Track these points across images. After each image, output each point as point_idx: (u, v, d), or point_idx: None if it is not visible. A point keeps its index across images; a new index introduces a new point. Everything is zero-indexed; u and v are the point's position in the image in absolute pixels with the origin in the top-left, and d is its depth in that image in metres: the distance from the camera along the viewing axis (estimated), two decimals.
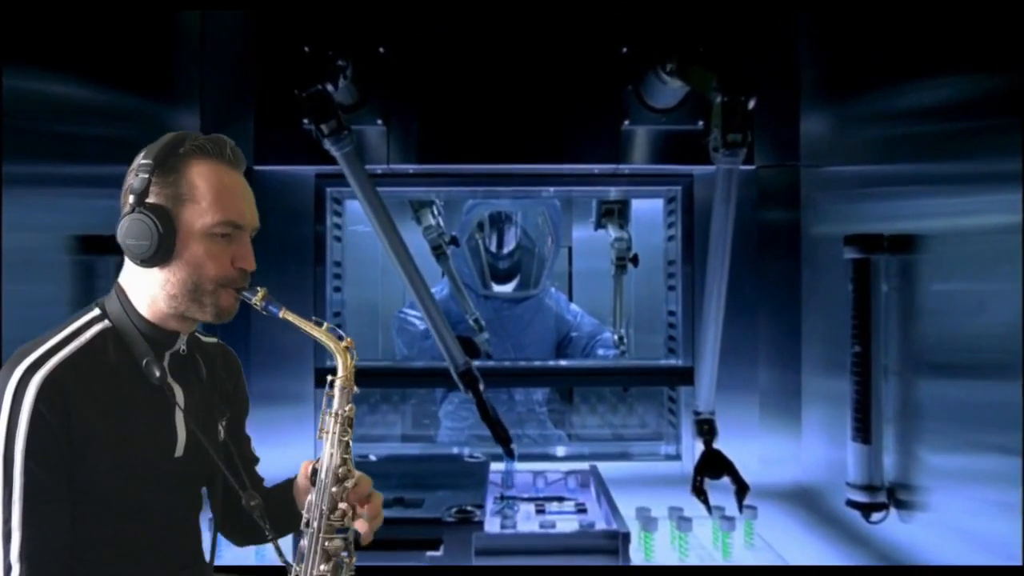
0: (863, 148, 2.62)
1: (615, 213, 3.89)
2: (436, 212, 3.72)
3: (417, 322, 3.51)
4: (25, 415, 1.06)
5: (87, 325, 1.18)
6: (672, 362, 3.21)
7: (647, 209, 3.85)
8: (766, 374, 3.02)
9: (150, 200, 1.14)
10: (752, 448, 2.95)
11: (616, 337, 3.71)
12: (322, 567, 1.15)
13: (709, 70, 2.32)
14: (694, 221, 3.12)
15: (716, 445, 2.49)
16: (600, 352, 3.68)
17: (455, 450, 3.25)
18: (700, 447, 2.53)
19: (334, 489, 1.16)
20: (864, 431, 2.30)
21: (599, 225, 3.97)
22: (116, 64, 2.37)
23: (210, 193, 1.15)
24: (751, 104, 2.22)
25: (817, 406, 2.91)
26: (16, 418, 1.06)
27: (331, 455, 1.17)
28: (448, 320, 3.80)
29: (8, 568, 1.04)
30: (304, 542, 1.17)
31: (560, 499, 2.47)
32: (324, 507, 1.16)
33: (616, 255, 3.74)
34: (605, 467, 2.87)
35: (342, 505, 1.17)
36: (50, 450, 1.07)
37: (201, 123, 2.86)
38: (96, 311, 1.21)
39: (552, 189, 3.21)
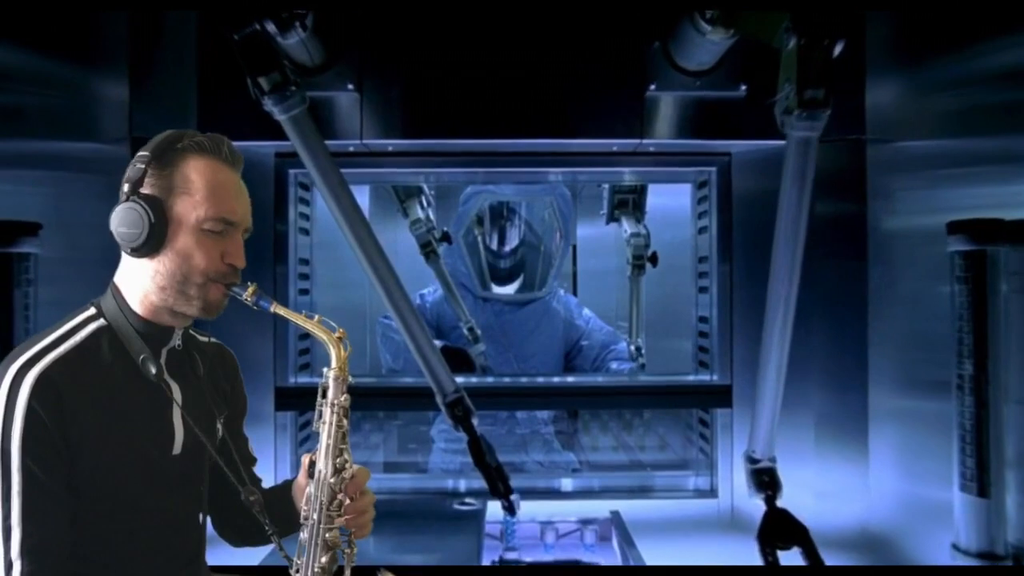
0: (950, 118, 2.06)
1: (630, 204, 3.27)
2: (425, 203, 3.12)
3: None
4: (20, 413, 1.04)
5: (82, 324, 1.15)
6: (704, 378, 2.59)
7: (659, 205, 3.27)
8: (822, 391, 2.40)
9: (144, 190, 1.13)
10: (806, 479, 2.36)
11: (633, 348, 3.10)
12: (323, 559, 1.12)
13: (777, 9, 1.71)
14: (732, 209, 2.50)
15: None
16: (613, 366, 3.10)
17: (449, 484, 2.64)
18: (746, 485, 1.99)
19: (332, 480, 1.13)
20: (980, 479, 1.68)
21: (611, 218, 3.35)
22: (15, 17, 1.83)
23: (204, 188, 1.14)
24: (837, 49, 1.61)
25: (888, 431, 2.31)
26: (11, 416, 1.04)
27: (328, 445, 1.14)
28: (441, 327, 3.26)
29: (9, 564, 1.03)
30: (304, 535, 1.13)
31: (575, 564, 1.85)
32: (323, 498, 1.12)
33: (633, 253, 3.14)
34: (624, 506, 2.31)
35: (340, 496, 1.13)
36: (46, 447, 1.05)
37: (130, 89, 2.23)
38: (91, 310, 1.17)
39: (561, 171, 2.59)
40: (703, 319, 2.65)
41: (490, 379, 2.72)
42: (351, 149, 2.38)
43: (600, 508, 2.40)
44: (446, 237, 3.12)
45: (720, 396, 2.50)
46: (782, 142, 2.36)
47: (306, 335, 2.61)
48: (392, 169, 2.53)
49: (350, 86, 2.29)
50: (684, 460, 2.96)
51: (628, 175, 2.75)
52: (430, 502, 2.25)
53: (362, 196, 3.46)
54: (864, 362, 2.34)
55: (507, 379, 2.72)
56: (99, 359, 1.13)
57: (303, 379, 2.56)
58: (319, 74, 2.27)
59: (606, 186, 3.30)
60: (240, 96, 2.10)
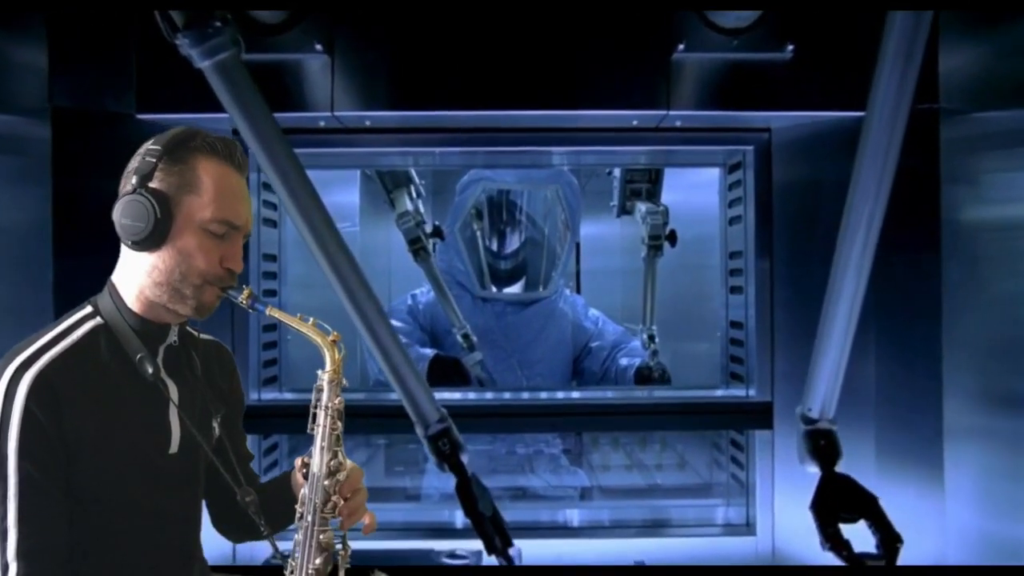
0: None
1: (643, 193, 2.82)
2: (415, 194, 2.66)
3: None
4: (16, 414, 1.02)
5: (79, 323, 1.13)
6: (738, 393, 2.12)
7: (667, 200, 2.80)
8: (887, 407, 1.93)
9: (153, 184, 1.10)
10: None
11: (645, 336, 2.68)
12: (317, 560, 1.09)
13: None
14: (772, 195, 2.03)
15: None
16: (624, 362, 2.72)
17: (445, 515, 2.20)
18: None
19: (327, 482, 1.10)
20: None
21: (623, 210, 2.89)
22: None
23: (213, 189, 1.11)
24: None
25: (969, 455, 1.86)
26: (8, 417, 1.02)
27: (322, 448, 1.10)
28: (436, 331, 2.80)
29: (5, 567, 1.01)
30: (298, 536, 1.10)
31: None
32: (317, 500, 1.09)
33: (649, 232, 2.71)
34: (643, 547, 1.94)
35: (334, 497, 1.10)
36: (43, 448, 1.03)
37: (49, 57, 1.77)
38: (88, 308, 1.15)
39: (570, 150, 2.13)
40: (736, 324, 2.18)
41: (488, 395, 2.25)
42: (321, 124, 1.92)
43: (618, 551, 1.94)
44: (438, 232, 2.68)
45: (759, 416, 2.03)
46: (833, 113, 1.94)
47: (272, 344, 2.16)
48: (370, 149, 2.06)
49: (319, 47, 1.82)
50: (708, 484, 2.50)
51: (648, 156, 2.28)
52: (412, 558, 1.76)
53: (352, 188, 3.00)
54: (937, 373, 1.86)
55: (507, 394, 2.25)
56: (96, 358, 1.11)
57: (268, 395, 2.09)
58: (281, 33, 1.81)
59: (616, 173, 2.85)
60: (187, 61, 1.64)
